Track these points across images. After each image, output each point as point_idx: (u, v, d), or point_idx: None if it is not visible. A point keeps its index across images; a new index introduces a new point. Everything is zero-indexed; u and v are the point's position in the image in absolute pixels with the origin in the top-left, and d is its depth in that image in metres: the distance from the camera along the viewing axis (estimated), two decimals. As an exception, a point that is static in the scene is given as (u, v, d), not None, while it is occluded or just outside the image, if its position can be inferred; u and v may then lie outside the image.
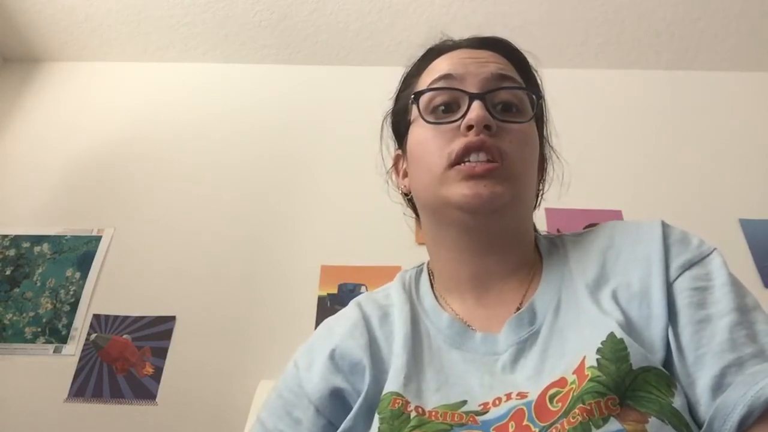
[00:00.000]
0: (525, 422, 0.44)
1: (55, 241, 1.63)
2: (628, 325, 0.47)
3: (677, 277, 0.49)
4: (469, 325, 0.55)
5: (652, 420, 0.41)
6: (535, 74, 0.66)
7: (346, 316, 0.60)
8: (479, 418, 0.46)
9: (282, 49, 1.96)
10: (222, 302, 1.53)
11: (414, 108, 0.60)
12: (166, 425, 1.36)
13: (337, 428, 0.51)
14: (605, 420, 0.40)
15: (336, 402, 0.52)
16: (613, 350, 0.44)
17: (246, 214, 1.69)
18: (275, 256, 1.61)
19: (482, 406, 0.47)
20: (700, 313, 0.47)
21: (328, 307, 1.51)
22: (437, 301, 0.60)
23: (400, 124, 0.66)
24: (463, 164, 0.54)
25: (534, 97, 0.59)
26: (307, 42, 1.93)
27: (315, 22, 1.86)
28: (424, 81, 0.61)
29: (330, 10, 1.82)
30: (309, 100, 1.93)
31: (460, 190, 0.53)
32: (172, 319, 1.51)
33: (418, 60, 0.67)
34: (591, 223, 1.62)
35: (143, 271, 1.59)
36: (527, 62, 0.65)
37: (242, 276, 1.58)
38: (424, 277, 0.63)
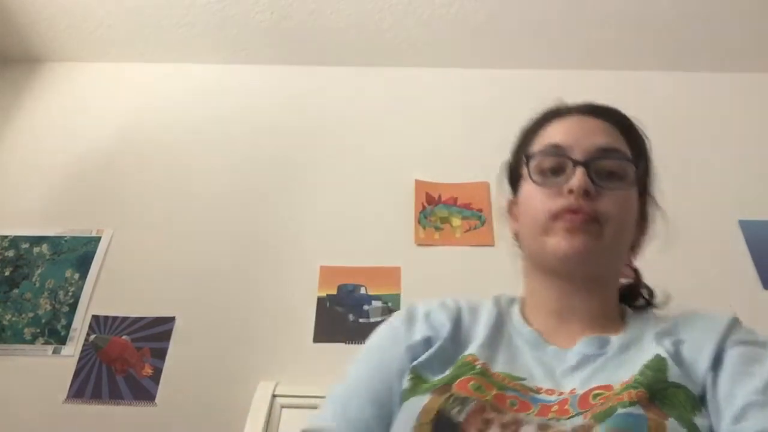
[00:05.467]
0: (567, 406, 0.52)
1: (54, 241, 1.63)
2: (676, 356, 0.55)
3: (732, 345, 0.55)
4: (546, 339, 0.63)
5: (672, 420, 0.47)
6: (643, 141, 0.73)
7: (442, 299, 0.70)
8: (531, 394, 0.55)
9: (282, 49, 1.96)
10: (222, 302, 1.53)
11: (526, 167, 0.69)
12: (165, 426, 1.36)
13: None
14: (632, 404, 0.48)
15: (425, 345, 0.63)
16: (655, 363, 0.54)
17: (246, 215, 1.68)
18: (275, 257, 1.61)
19: (538, 388, 0.56)
20: (744, 368, 0.52)
21: (327, 307, 1.51)
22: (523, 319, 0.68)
23: (514, 176, 0.75)
24: (564, 217, 0.61)
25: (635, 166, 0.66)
26: (307, 42, 1.93)
27: (315, 22, 1.86)
28: (539, 143, 0.70)
29: (330, 10, 1.82)
30: (309, 100, 1.93)
31: (558, 240, 0.61)
32: (172, 319, 1.50)
33: (536, 121, 0.75)
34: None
35: (142, 271, 1.59)
36: (635, 129, 0.72)
37: (242, 277, 1.57)
38: (516, 303, 0.71)
